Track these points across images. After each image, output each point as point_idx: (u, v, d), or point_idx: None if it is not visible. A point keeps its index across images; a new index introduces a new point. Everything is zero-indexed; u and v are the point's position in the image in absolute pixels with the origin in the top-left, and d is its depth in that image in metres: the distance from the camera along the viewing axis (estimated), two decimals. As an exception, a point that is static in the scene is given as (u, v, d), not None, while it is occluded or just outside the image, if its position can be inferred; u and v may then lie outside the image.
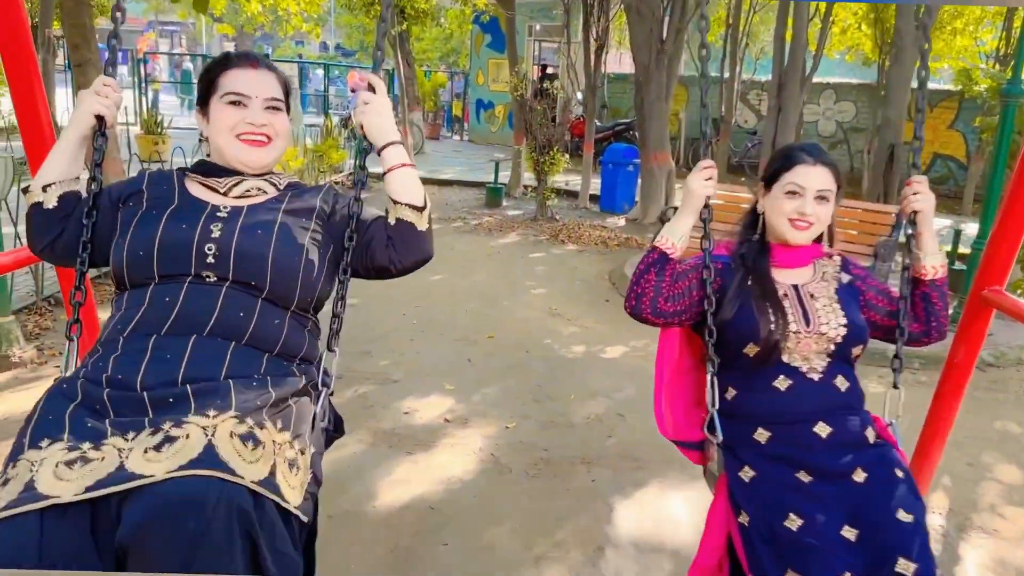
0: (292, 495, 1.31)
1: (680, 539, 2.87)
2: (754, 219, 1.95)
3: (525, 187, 10.49)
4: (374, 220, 1.68)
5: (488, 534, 2.82)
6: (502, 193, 10.26)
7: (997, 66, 10.31)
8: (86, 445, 1.26)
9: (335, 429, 1.71)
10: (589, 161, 10.62)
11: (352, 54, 39.72)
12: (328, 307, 1.72)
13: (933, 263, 1.88)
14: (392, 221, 1.63)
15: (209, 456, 1.22)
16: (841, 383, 1.77)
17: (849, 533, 1.58)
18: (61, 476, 1.21)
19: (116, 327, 1.48)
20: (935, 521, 3.07)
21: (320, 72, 22.83)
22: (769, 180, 1.88)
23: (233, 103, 1.60)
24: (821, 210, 1.82)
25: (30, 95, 2.36)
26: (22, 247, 2.08)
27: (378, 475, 3.16)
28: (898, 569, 1.52)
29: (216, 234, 1.51)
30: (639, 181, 9.62)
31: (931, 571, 1.55)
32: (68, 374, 1.49)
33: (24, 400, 3.64)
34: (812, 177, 1.81)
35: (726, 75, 12.76)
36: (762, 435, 1.74)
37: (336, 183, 10.78)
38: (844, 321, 1.78)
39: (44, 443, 1.27)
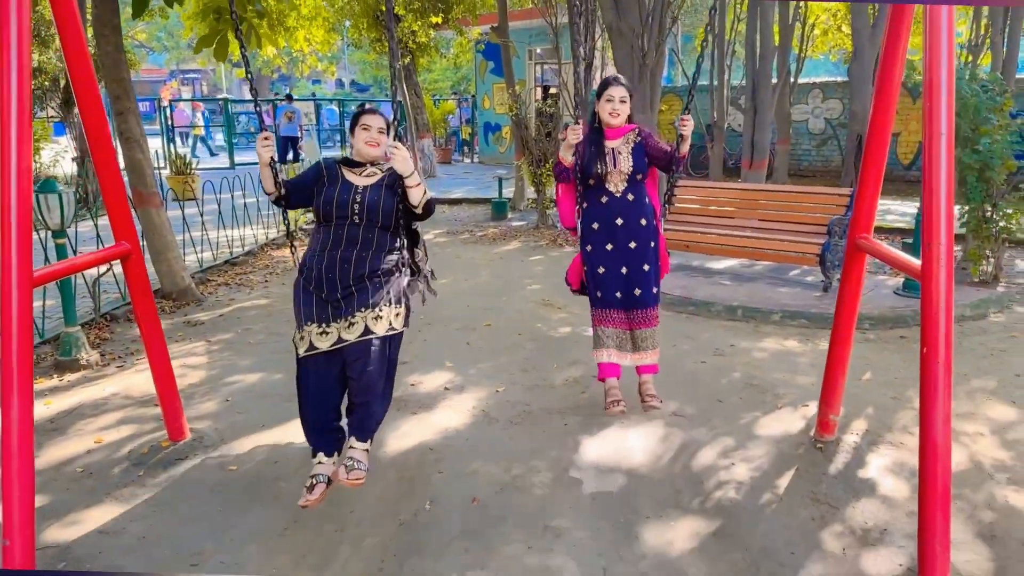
0: (398, 323, 3.11)
1: (634, 461, 3.50)
2: (593, 116, 3.71)
3: (530, 200, 11.19)
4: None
5: (474, 464, 3.48)
6: (506, 207, 10.97)
7: (969, 56, 10.84)
8: (324, 326, 3.00)
9: (413, 260, 3.42)
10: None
11: (367, 89, 40.96)
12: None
13: (683, 151, 3.58)
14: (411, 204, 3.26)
15: (366, 330, 3.00)
16: (630, 196, 3.66)
17: (624, 270, 3.70)
18: (320, 340, 3.00)
19: (314, 246, 3.11)
20: (850, 440, 3.67)
21: (335, 108, 23.90)
22: (598, 95, 3.71)
23: (364, 128, 3.18)
24: (622, 107, 3.62)
25: (104, 147, 3.13)
26: (110, 246, 2.82)
27: (388, 430, 3.83)
28: (634, 292, 3.73)
29: (358, 200, 3.10)
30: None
31: (651, 300, 3.72)
32: (306, 271, 3.10)
33: (93, 393, 4.38)
34: (616, 91, 3.62)
35: (715, 83, 13.37)
36: (595, 226, 3.72)
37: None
38: (631, 163, 3.63)
39: (307, 324, 3.01)
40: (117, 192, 3.21)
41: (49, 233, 4.73)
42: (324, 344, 2.99)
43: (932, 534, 2.41)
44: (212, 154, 21.32)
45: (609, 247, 3.68)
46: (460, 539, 2.90)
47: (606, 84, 3.66)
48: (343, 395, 3.14)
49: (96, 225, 6.02)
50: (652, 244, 3.69)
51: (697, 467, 3.45)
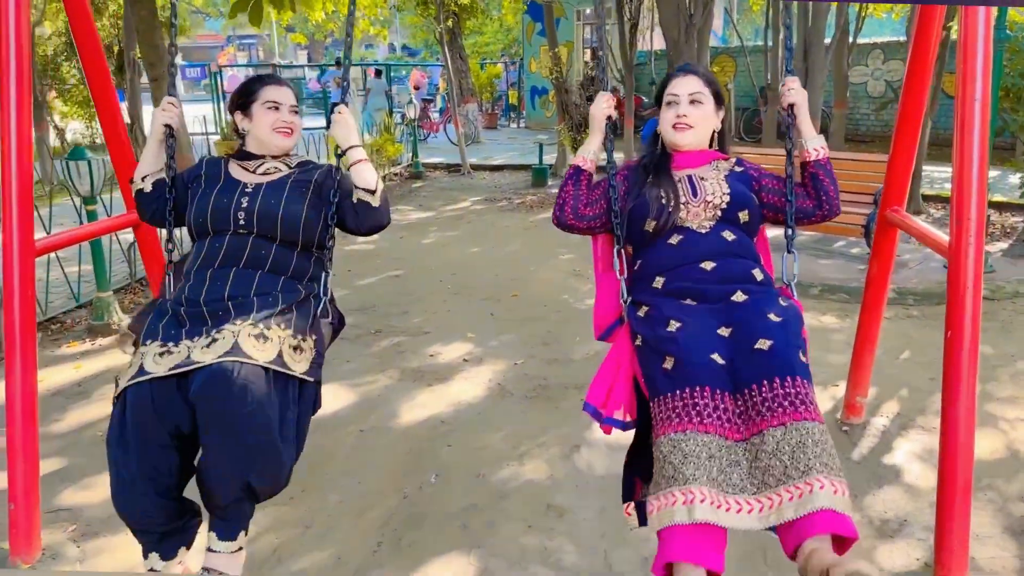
0: (297, 367, 2.05)
1: (648, 440, 3.41)
2: (655, 137, 2.27)
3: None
4: (348, 195, 2.31)
5: (484, 439, 3.43)
6: (547, 173, 10.80)
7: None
8: (170, 344, 2.01)
9: (339, 323, 2.42)
10: (629, 136, 11.02)
11: (417, 53, 40.80)
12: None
13: (814, 145, 2.14)
14: (355, 200, 2.29)
15: (234, 350, 1.94)
16: (728, 235, 2.03)
17: (724, 331, 1.84)
18: (156, 362, 1.97)
19: (189, 266, 2.24)
20: (879, 423, 3.50)
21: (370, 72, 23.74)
22: (657, 100, 2.26)
23: (271, 108, 2.31)
24: (696, 112, 2.13)
25: (113, 120, 3.13)
26: (117, 215, 2.82)
27: (402, 400, 3.82)
28: (757, 346, 1.75)
29: (244, 204, 2.23)
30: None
31: (789, 351, 1.74)
32: (169, 298, 2.23)
33: (124, 357, 4.47)
34: (683, 85, 2.15)
35: (770, 44, 12.85)
36: (658, 281, 2.03)
37: (395, 175, 11.57)
38: (727, 191, 2.08)
39: (148, 342, 2.04)
40: (127, 161, 3.21)
41: (81, 200, 4.81)
42: (160, 367, 1.93)
43: (949, 529, 2.26)
44: None
45: (689, 302, 1.95)
46: (461, 514, 2.86)
47: (668, 77, 2.22)
48: (185, 458, 2.01)
49: None
50: (783, 303, 1.92)
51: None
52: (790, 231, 2.17)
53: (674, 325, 1.85)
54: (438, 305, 5.37)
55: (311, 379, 2.09)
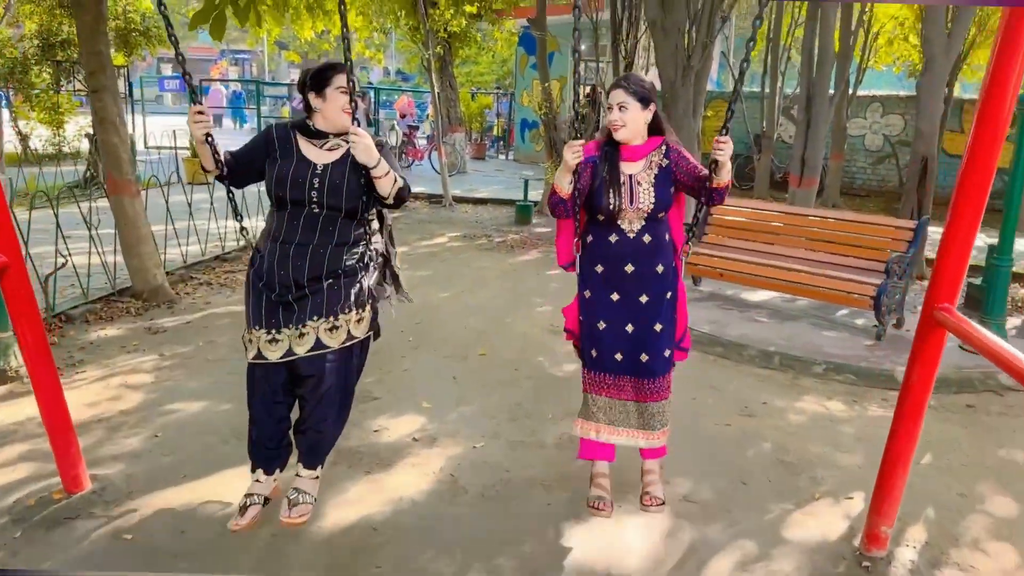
0: (359, 331, 2.73)
1: (627, 566, 2.77)
2: (608, 132, 2.89)
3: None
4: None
5: (423, 558, 2.77)
6: (531, 211, 10.23)
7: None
8: (273, 332, 2.64)
9: (385, 253, 2.99)
10: (620, 178, 10.52)
11: (411, 78, 40.55)
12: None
13: (721, 181, 2.70)
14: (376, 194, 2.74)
15: (318, 344, 2.64)
16: (646, 238, 2.83)
17: (629, 328, 2.87)
18: (268, 349, 2.64)
19: (268, 235, 2.72)
20: (905, 555, 2.88)
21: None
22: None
23: (343, 92, 2.64)
24: (624, 115, 2.78)
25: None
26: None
27: (330, 494, 3.15)
28: (642, 358, 2.86)
29: (316, 184, 2.64)
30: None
31: (662, 367, 2.89)
32: (256, 266, 2.74)
33: (9, 415, 3.78)
34: (614, 96, 2.79)
35: (767, 90, 12.46)
36: (598, 268, 2.90)
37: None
38: (653, 199, 2.79)
39: (256, 328, 2.65)
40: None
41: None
42: (273, 354, 2.65)
43: None
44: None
45: (614, 297, 2.86)
46: (380, 676, 2.20)
47: (612, 87, 2.84)
48: (292, 408, 2.80)
49: (87, 210, 5.47)
50: (669, 295, 2.89)
51: (705, 582, 2.70)
52: (692, 233, 3.05)
53: (601, 324, 2.89)
54: (395, 362, 4.72)
55: (370, 337, 2.84)
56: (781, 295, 6.31)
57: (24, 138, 13.38)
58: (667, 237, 2.89)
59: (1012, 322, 5.91)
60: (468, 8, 12.18)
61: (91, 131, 12.81)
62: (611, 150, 2.85)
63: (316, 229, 2.66)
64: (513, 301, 6.27)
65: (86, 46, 5.36)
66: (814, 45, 8.44)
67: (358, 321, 2.71)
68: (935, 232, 9.16)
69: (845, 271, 5.46)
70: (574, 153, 2.65)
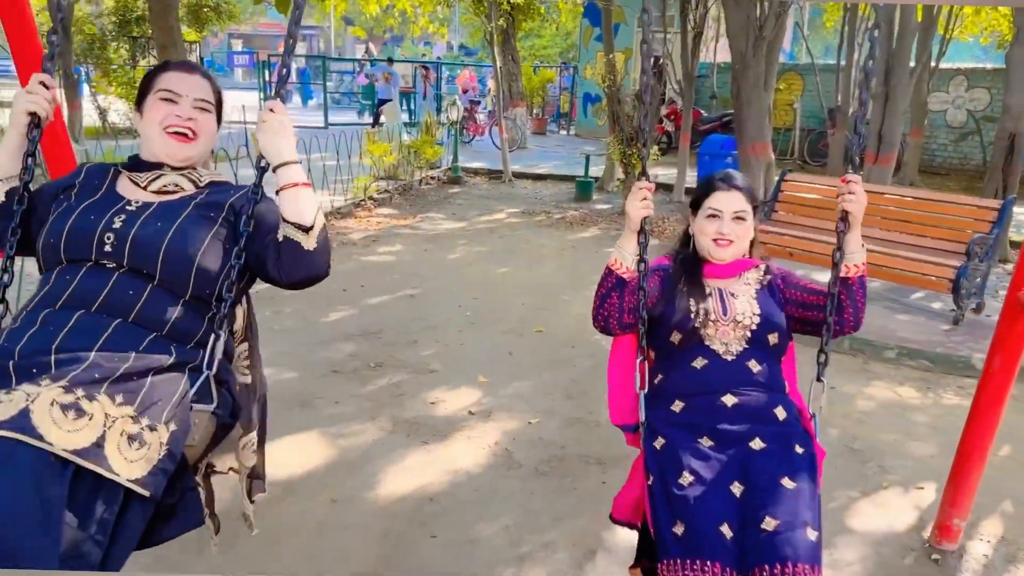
0: (126, 467, 1.34)
1: (681, 548, 2.71)
2: (687, 239, 2.18)
3: (619, 181, 10.29)
4: (271, 231, 1.68)
5: (477, 529, 2.78)
6: (591, 187, 10.11)
7: None
8: None
9: (229, 415, 1.71)
10: (685, 153, 10.30)
11: (474, 52, 40.47)
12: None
13: (855, 261, 1.96)
14: (280, 237, 1.66)
15: (20, 419, 1.26)
16: (754, 365, 1.92)
17: (736, 488, 1.75)
18: None
19: (23, 306, 1.61)
20: (978, 549, 2.75)
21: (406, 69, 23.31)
22: (693, 205, 2.12)
23: (165, 99, 1.72)
24: (739, 229, 2.04)
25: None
26: None
27: (387, 462, 3.19)
28: (763, 526, 1.66)
29: (117, 225, 1.62)
30: (736, 174, 9.21)
31: (795, 535, 1.63)
32: None
33: None
34: (727, 201, 2.04)
35: (842, 63, 11.96)
36: (677, 406, 1.93)
37: (432, 178, 11.01)
38: (758, 311, 1.97)
39: None
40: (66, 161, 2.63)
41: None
42: None
43: None
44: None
45: (706, 443, 1.82)
46: (432, 645, 2.22)
47: (708, 187, 2.07)
48: None
49: None
50: (801, 451, 1.81)
51: (764, 568, 2.62)
52: (823, 356, 2.00)
53: (688, 479, 1.77)
54: (452, 336, 4.74)
55: (146, 493, 1.36)
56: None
57: (103, 112, 13.87)
58: (783, 383, 2.00)
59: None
60: (532, -21, 12.01)
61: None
62: (691, 263, 2.10)
63: (97, 298, 1.55)
64: (571, 279, 6.22)
65: (158, 21, 5.49)
66: (895, 14, 8.02)
67: (131, 440, 1.37)
68: (1021, 213, 8.71)
69: (922, 252, 5.21)
70: (642, 201, 1.91)
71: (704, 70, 14.84)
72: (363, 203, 8.76)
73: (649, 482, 1.82)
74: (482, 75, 22.80)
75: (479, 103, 17.59)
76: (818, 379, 1.99)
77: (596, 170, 10.87)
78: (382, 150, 9.66)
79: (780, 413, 1.88)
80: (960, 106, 13.04)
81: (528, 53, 28.01)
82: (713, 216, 2.04)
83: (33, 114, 1.69)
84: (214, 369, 1.63)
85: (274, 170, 1.68)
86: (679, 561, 1.67)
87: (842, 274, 1.95)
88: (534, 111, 18.58)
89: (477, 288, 5.74)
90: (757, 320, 1.94)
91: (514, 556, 2.62)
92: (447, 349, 4.53)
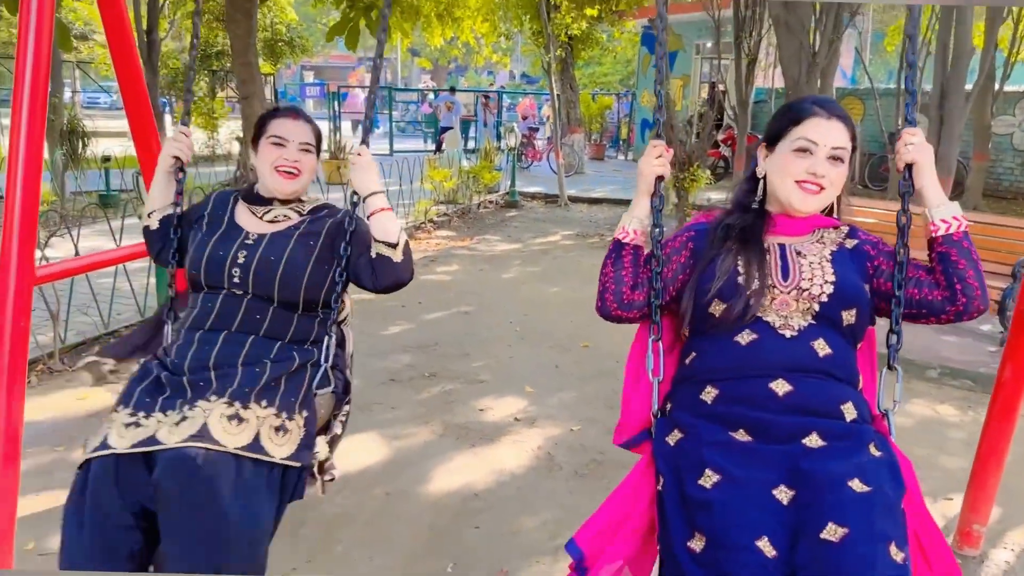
0: (278, 451, 1.83)
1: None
2: (753, 185, 1.71)
3: (672, 205, 10.44)
4: (366, 250, 2.09)
5: (519, 522, 3.01)
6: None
7: None
8: (140, 415, 1.81)
9: (343, 391, 2.19)
10: (739, 180, 10.38)
11: (536, 81, 41.15)
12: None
13: (942, 216, 1.56)
14: (373, 255, 2.06)
15: (202, 432, 1.73)
16: (820, 347, 1.50)
17: (783, 495, 1.32)
18: (121, 435, 1.77)
19: (181, 323, 2.09)
20: (1000, 556, 2.84)
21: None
22: (774, 138, 1.66)
23: (275, 143, 2.11)
24: (834, 172, 1.59)
25: (147, 136, 2.94)
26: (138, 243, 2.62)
27: (437, 462, 3.46)
28: (823, 535, 1.22)
29: (240, 260, 2.05)
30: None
31: (873, 548, 1.22)
32: (159, 355, 2.03)
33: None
34: (826, 132, 1.57)
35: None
36: (709, 393, 1.51)
37: (489, 202, 11.37)
38: (832, 279, 1.53)
39: (119, 408, 1.86)
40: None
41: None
42: (122, 443, 1.71)
43: None
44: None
45: (742, 438, 1.46)
46: (471, 619, 2.46)
47: (799, 112, 1.64)
48: (149, 541, 1.74)
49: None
50: (879, 454, 1.45)
51: (787, 566, 2.78)
52: (895, 338, 1.62)
53: (711, 478, 1.35)
54: (501, 350, 5.01)
55: (296, 464, 1.86)
56: (901, 298, 6.12)
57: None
58: (859, 373, 1.64)
59: None
60: (589, 11, 12.36)
61: (241, 135, 14.05)
62: (754, 218, 1.68)
63: (235, 320, 1.99)
64: (621, 297, 6.41)
65: (238, 57, 6.00)
66: (949, 38, 8.04)
67: (277, 430, 1.82)
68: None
69: (969, 274, 5.24)
70: (657, 158, 1.68)
71: (762, 95, 14.87)
72: (423, 225, 9.15)
73: (659, 486, 1.45)
74: (542, 103, 23.26)
75: (538, 130, 17.97)
76: (890, 366, 1.61)
77: (651, 194, 11.04)
78: (442, 175, 10.07)
79: (849, 411, 1.48)
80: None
81: (589, 80, 28.41)
82: (804, 151, 1.58)
83: (177, 157, 2.19)
84: (330, 362, 2.08)
85: (364, 200, 2.07)
86: None
87: (934, 232, 1.55)
88: (592, 137, 18.87)
89: (528, 306, 6.01)
90: (830, 289, 1.52)
91: (551, 547, 2.85)
92: (497, 361, 4.79)
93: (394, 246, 2.02)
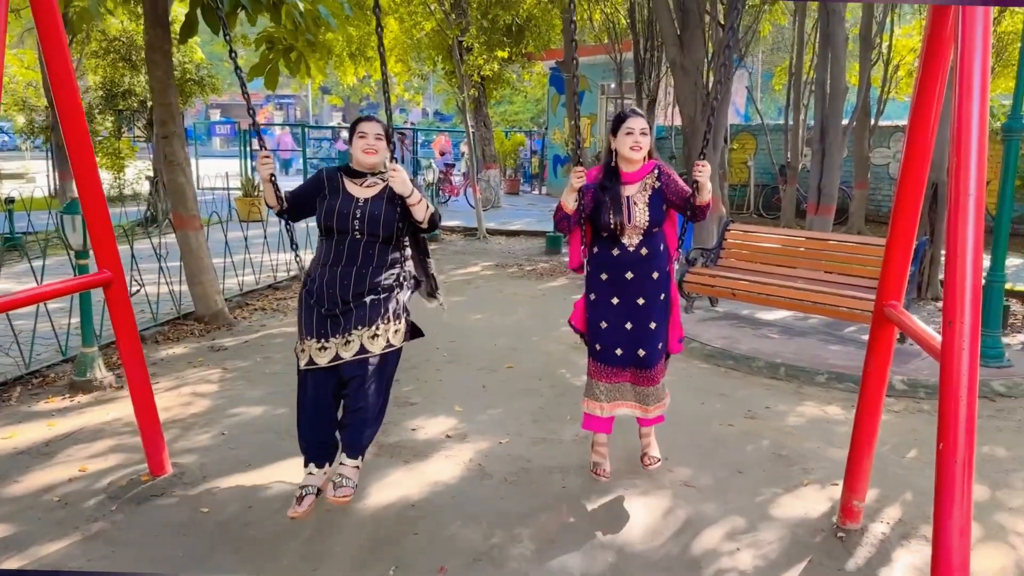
0: (396, 340, 3.19)
1: (629, 536, 3.18)
2: (609, 156, 3.39)
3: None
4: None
5: (454, 527, 3.23)
6: (560, 241, 10.73)
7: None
8: (323, 341, 3.11)
9: (414, 281, 3.40)
10: (646, 209, 10.97)
11: (449, 119, 41.74)
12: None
13: (702, 199, 3.22)
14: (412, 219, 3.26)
15: (362, 349, 3.09)
16: (644, 250, 3.34)
17: (629, 326, 3.39)
18: (319, 356, 3.11)
19: (318, 259, 3.22)
20: (878, 529, 3.24)
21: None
22: (614, 130, 3.35)
23: (361, 136, 3.20)
24: (644, 140, 3.27)
25: (89, 174, 3.08)
26: (86, 275, 2.74)
27: (374, 479, 3.63)
28: (639, 351, 3.40)
29: (358, 215, 3.14)
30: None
31: (656, 359, 3.44)
32: (307, 286, 3.23)
33: (97, 416, 4.36)
34: (636, 123, 3.29)
35: (791, 121, 12.85)
36: (604, 276, 3.39)
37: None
38: (648, 217, 3.30)
39: (308, 338, 3.14)
40: (100, 217, 3.15)
41: (74, 254, 4.78)
42: (322, 360, 3.11)
43: (943, 667, 2.02)
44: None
45: (615, 301, 3.38)
46: (415, 613, 2.65)
47: (622, 117, 3.33)
48: (338, 409, 3.22)
49: (156, 244, 6.14)
50: (662, 296, 3.41)
51: (698, 549, 3.09)
52: (684, 232, 3.53)
53: (603, 324, 3.42)
54: (430, 374, 5.22)
55: (402, 345, 3.25)
56: (794, 314, 6.70)
57: (89, 182, 14.34)
58: (661, 247, 3.40)
59: (1020, 338, 6.23)
60: (500, 53, 12.88)
61: (151, 174, 13.79)
62: (612, 174, 3.36)
63: (359, 254, 3.14)
64: (540, 322, 6.75)
65: (158, 98, 6.06)
66: (825, 78, 8.86)
67: (395, 332, 3.17)
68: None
69: (850, 288, 5.83)
70: (578, 176, 3.23)
71: (662, 132, 15.75)
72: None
73: (587, 316, 3.46)
74: (457, 140, 23.73)
75: (454, 166, 18.35)
76: (679, 257, 3.59)
77: (564, 226, 11.52)
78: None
79: (655, 275, 3.34)
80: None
81: (501, 118, 29.11)
82: (629, 132, 3.25)
83: (271, 173, 3.21)
84: (410, 267, 3.34)
85: (406, 199, 3.14)
86: (596, 361, 3.45)
87: (696, 203, 3.24)
88: (507, 172, 19.39)
89: (454, 332, 6.24)
90: (647, 222, 3.29)
91: (485, 547, 3.07)
92: (426, 385, 5.00)
93: (421, 222, 3.23)
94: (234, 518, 3.29)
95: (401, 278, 3.25)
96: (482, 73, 12.97)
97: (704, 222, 9.70)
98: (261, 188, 3.63)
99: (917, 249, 5.69)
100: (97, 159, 11.95)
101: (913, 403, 4.83)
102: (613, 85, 18.11)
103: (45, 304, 4.80)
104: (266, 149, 3.25)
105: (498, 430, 4.26)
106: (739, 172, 15.51)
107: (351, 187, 3.21)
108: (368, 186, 3.20)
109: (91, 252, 4.69)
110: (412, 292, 3.36)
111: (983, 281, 5.60)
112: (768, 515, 3.36)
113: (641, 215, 3.29)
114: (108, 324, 5.49)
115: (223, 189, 14.47)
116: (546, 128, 20.30)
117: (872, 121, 12.12)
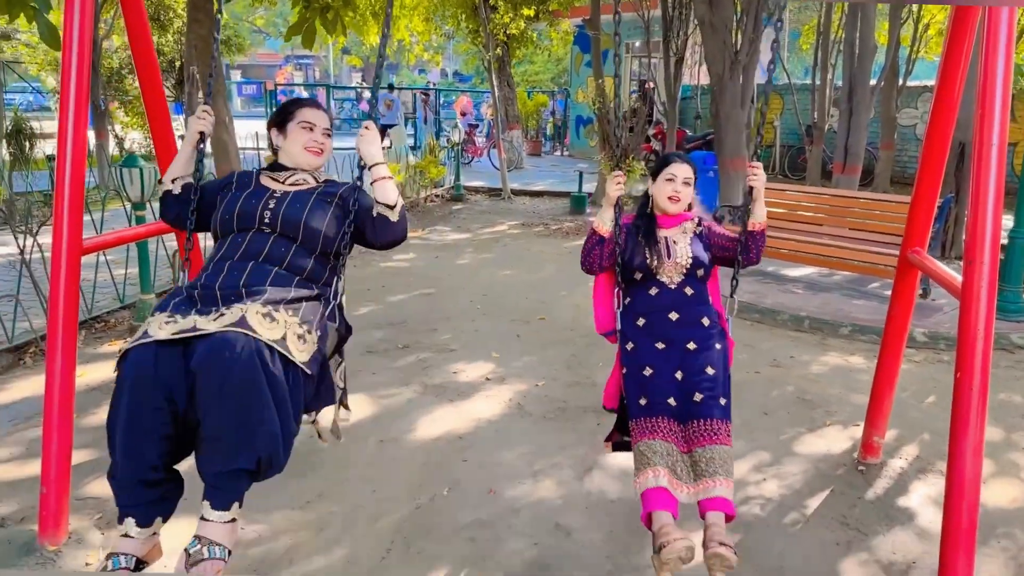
0: (299, 355, 2.09)
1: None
2: (646, 200, 2.91)
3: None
4: (368, 210, 2.45)
5: (499, 455, 3.49)
6: (585, 201, 10.89)
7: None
8: (177, 316, 2.08)
9: (346, 332, 2.50)
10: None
11: (468, 79, 41.54)
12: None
13: (757, 220, 2.72)
14: (375, 214, 2.43)
15: (241, 322, 2.02)
16: (688, 290, 2.74)
17: (679, 375, 2.59)
18: (160, 327, 2.04)
19: (210, 259, 2.34)
20: (896, 464, 3.46)
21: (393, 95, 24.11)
22: (654, 174, 2.87)
23: (305, 127, 2.49)
24: (686, 190, 2.80)
25: (164, 130, 3.30)
26: (157, 221, 2.99)
27: (422, 415, 3.90)
28: (695, 398, 2.54)
29: (271, 206, 2.37)
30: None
31: (713, 403, 2.51)
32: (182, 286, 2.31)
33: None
34: (680, 170, 2.80)
35: (818, 81, 12.80)
36: (640, 321, 2.72)
37: (436, 196, 11.78)
38: (690, 255, 2.77)
39: (155, 314, 2.13)
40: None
41: (131, 205, 5.03)
42: (162, 332, 1.99)
43: (953, 571, 2.25)
44: None
45: (660, 346, 2.62)
46: (470, 528, 2.92)
47: (666, 161, 2.83)
48: (179, 428, 2.02)
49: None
50: (719, 347, 2.63)
51: (726, 479, 3.33)
52: (735, 282, 2.81)
53: (648, 371, 2.60)
54: (466, 324, 5.46)
55: (309, 372, 2.12)
56: (819, 270, 6.86)
57: (120, 140, 14.65)
58: (709, 300, 2.80)
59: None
60: (526, 11, 12.88)
61: (182, 133, 14.00)
62: (648, 218, 2.86)
63: (263, 251, 2.28)
64: (568, 278, 6.95)
65: (201, 56, 6.25)
66: (854, 37, 8.86)
67: (299, 338, 2.10)
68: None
69: (874, 245, 5.98)
70: (617, 184, 2.71)
71: (688, 92, 15.71)
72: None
73: (623, 372, 2.66)
74: (478, 100, 23.71)
75: (477, 126, 18.43)
76: (731, 295, 2.78)
77: (589, 186, 11.66)
78: (391, 170, 10.42)
79: (705, 321, 2.69)
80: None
81: (522, 79, 28.99)
82: (670, 179, 2.78)
83: (201, 132, 2.50)
84: (339, 300, 2.41)
85: (369, 168, 2.45)
86: (643, 418, 2.54)
87: (749, 228, 2.71)
88: (529, 133, 19.44)
89: (485, 287, 6.48)
90: (690, 261, 2.75)
91: (529, 472, 3.34)
92: (464, 334, 5.25)
93: (392, 207, 2.39)
94: (302, 443, 3.56)
95: (326, 299, 2.36)
96: (508, 32, 12.99)
97: (730, 178, 9.92)
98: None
99: (942, 207, 5.82)
100: (128, 119, 12.13)
101: (933, 354, 5.01)
102: (639, 43, 18.04)
103: (104, 254, 5.06)
104: (209, 103, 2.56)
105: (534, 374, 4.50)
106: (765, 132, 15.46)
107: (267, 181, 2.47)
108: (292, 183, 2.46)
109: (148, 204, 4.97)
110: (338, 335, 2.42)
111: (1007, 239, 5.74)
112: (792, 451, 3.59)
113: (683, 252, 2.74)
114: (160, 275, 5.78)
115: (253, 149, 14.69)
116: (569, 88, 20.25)
117: (900, 81, 12.07)
